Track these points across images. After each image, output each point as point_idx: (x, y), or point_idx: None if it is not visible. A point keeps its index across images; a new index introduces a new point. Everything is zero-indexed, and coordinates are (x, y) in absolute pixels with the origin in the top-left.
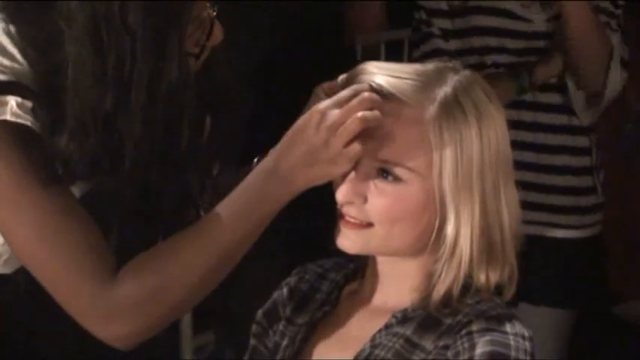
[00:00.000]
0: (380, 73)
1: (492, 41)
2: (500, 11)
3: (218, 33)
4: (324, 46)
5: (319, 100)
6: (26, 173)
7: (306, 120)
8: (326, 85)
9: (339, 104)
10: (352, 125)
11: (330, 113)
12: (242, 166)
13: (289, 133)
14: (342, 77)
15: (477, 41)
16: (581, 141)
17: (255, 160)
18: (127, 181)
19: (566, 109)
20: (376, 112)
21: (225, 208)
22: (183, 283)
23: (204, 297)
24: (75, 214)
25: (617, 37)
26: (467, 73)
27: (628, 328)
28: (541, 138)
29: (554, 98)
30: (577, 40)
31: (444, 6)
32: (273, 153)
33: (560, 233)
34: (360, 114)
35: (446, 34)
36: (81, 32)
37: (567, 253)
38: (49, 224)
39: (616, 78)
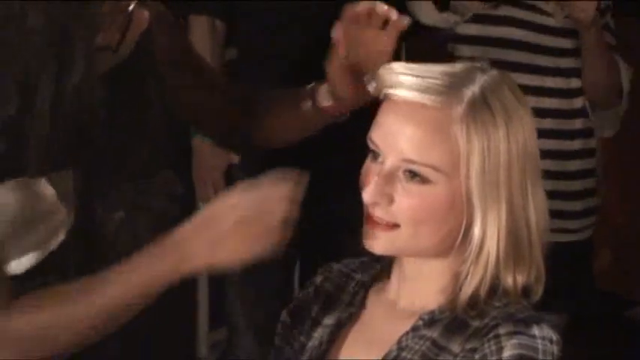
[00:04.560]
0: (406, 74)
1: (512, 55)
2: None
3: (141, 22)
4: None
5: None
6: None
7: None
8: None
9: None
10: None
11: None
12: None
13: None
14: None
15: (495, 52)
16: (589, 143)
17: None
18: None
19: (572, 113)
20: None
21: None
22: (68, 332)
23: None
24: None
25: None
26: (495, 73)
27: None
28: (555, 144)
29: (561, 103)
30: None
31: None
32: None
33: (563, 238)
34: None
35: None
36: None
37: (568, 256)
38: None
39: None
